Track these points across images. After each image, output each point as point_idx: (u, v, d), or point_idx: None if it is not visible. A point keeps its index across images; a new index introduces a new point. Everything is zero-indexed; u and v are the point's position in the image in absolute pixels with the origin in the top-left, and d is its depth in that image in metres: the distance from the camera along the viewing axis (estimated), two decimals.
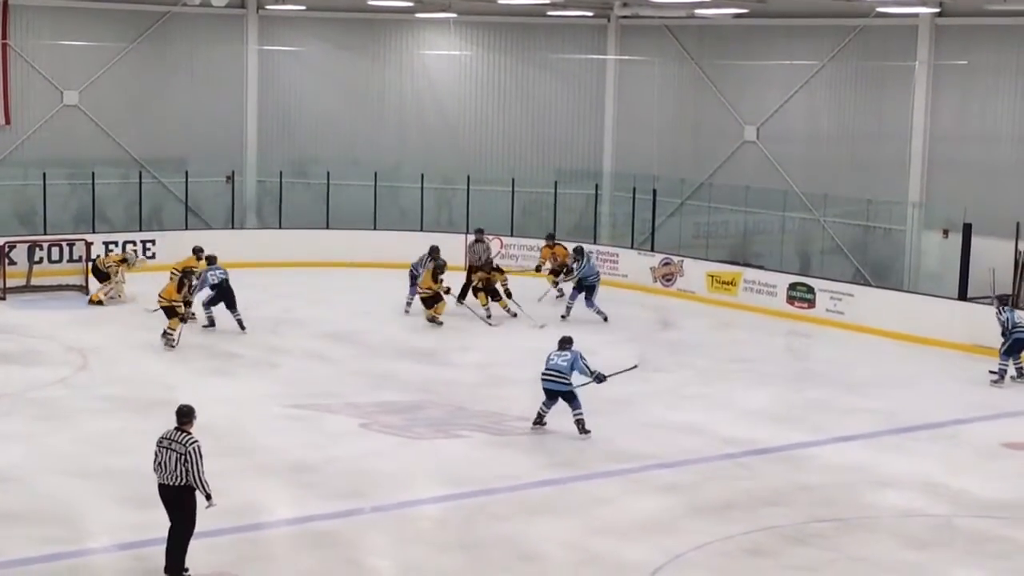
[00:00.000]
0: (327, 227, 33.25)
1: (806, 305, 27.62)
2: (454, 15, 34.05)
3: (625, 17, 33.97)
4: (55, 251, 29.36)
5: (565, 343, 19.03)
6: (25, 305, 26.62)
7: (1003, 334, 22.24)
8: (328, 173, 33.34)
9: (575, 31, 34.62)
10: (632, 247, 31.72)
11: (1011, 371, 22.42)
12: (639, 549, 14.12)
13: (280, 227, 33.26)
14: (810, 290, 27.62)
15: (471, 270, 28.61)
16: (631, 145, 34.31)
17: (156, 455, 12.98)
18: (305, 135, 34.97)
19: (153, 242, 31.17)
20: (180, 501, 12.89)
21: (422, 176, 33.43)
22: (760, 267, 29.32)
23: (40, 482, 15.88)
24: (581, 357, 18.71)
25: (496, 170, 34.11)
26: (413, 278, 27.08)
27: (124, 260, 27.81)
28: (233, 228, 33.49)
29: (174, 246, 29.30)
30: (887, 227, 29.80)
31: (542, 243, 30.03)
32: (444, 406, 20.14)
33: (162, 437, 13.05)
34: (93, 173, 31.55)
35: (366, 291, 29.48)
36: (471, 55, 35.14)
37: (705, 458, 17.74)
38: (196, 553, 13.71)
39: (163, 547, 13.77)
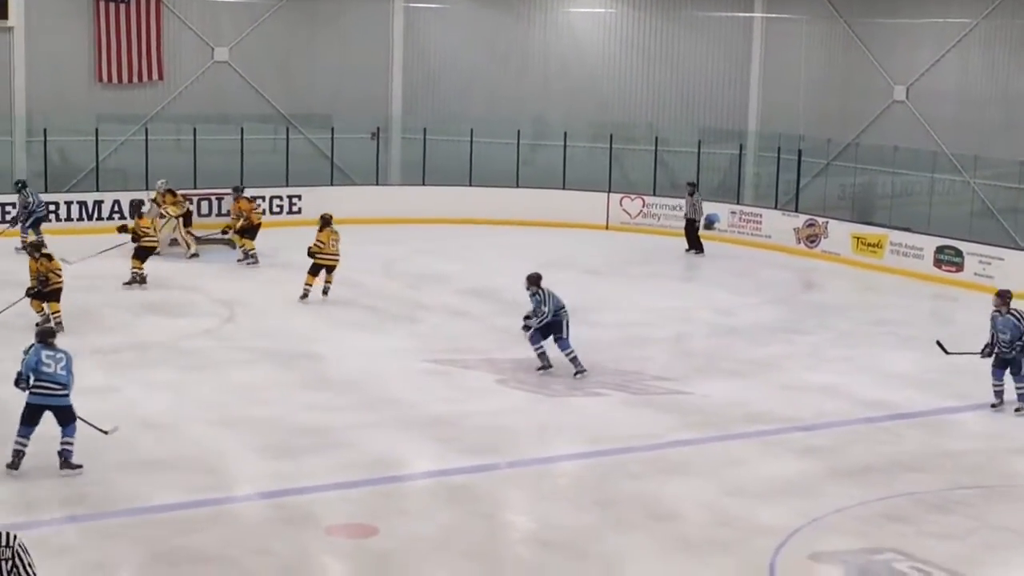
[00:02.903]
0: (470, 184, 33.38)
1: (954, 268, 27.04)
2: None
3: None
4: (204, 205, 29.95)
5: (49, 336, 14.83)
6: (173, 258, 27.16)
7: (989, 346, 18.02)
8: (472, 130, 33.44)
9: None
10: (776, 208, 31.34)
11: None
12: (776, 511, 13.99)
13: (423, 184, 33.48)
14: (958, 253, 27.03)
15: (688, 223, 29.88)
16: (777, 104, 33.82)
17: None
18: (449, 92, 35.10)
19: (299, 197, 31.61)
20: None
21: (565, 134, 33.36)
22: (907, 229, 28.76)
23: (186, 430, 16.25)
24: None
25: (640, 129, 33.90)
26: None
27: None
28: (377, 184, 33.82)
29: (320, 202, 29.64)
30: None
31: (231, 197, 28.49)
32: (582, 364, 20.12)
33: None
34: (242, 128, 32.09)
35: (508, 248, 29.57)
36: (616, 12, 34.91)
37: (845, 421, 17.50)
38: (331, 504, 13.98)
39: (304, 496, 14.06)
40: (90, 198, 30.19)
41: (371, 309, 23.47)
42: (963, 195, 29.97)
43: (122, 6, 31.77)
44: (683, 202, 30.49)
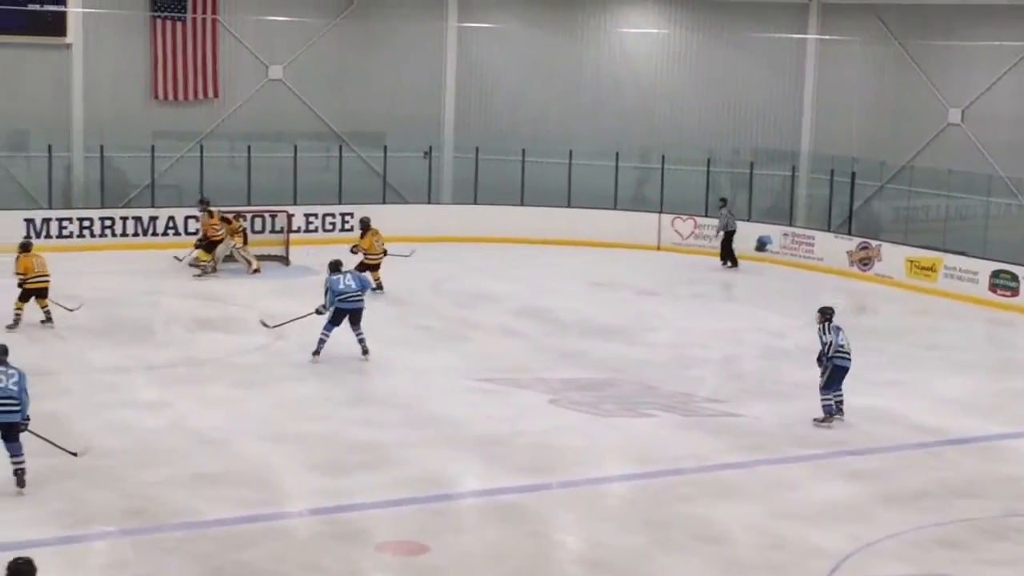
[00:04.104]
0: (521, 203, 33.43)
1: (1009, 293, 26.81)
2: None
3: None
4: (258, 222, 30.14)
5: (2, 353, 14.51)
6: (228, 274, 27.35)
7: (821, 359, 18.05)
8: (523, 150, 33.52)
9: (775, 10, 34.06)
10: (829, 230, 31.19)
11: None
12: (828, 536, 13.91)
13: (475, 203, 33.56)
14: (1014, 278, 26.79)
15: (726, 235, 30.45)
16: (830, 126, 33.65)
17: None
18: (501, 112, 35.18)
19: (351, 215, 31.71)
20: None
21: (616, 154, 33.35)
22: (962, 253, 28.53)
23: (238, 446, 16.34)
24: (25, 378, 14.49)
25: (691, 149, 33.80)
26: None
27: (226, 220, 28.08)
28: (429, 203, 33.94)
29: (371, 220, 29.73)
30: None
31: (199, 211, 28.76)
32: (633, 384, 20.10)
33: None
34: (295, 146, 32.30)
35: (558, 268, 29.60)
36: (668, 33, 34.89)
37: (897, 446, 17.37)
38: (382, 521, 14.01)
39: (355, 513, 14.10)
40: (145, 214, 30.47)
41: (421, 327, 23.53)
42: (1019, 219, 29.72)
43: (179, 24, 32.08)
44: (719, 220, 30.73)
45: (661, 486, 15.59)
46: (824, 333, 17.95)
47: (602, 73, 35.29)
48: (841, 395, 18.16)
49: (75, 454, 14.90)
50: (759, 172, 32.95)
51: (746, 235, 30.99)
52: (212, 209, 28.07)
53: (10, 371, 14.26)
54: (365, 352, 20.60)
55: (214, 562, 12.71)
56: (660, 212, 32.77)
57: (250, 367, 20.25)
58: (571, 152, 33.42)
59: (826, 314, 18.13)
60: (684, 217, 32.49)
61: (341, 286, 20.30)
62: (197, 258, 27.66)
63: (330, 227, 31.64)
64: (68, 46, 31.32)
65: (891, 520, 14.48)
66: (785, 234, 31.35)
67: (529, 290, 27.11)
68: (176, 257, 28.20)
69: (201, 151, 31.91)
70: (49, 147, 30.65)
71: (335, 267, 20.71)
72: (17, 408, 14.15)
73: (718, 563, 13.26)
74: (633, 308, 25.92)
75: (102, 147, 31.02)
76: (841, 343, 17.98)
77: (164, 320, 23.41)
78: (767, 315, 25.71)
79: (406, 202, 33.78)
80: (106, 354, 20.70)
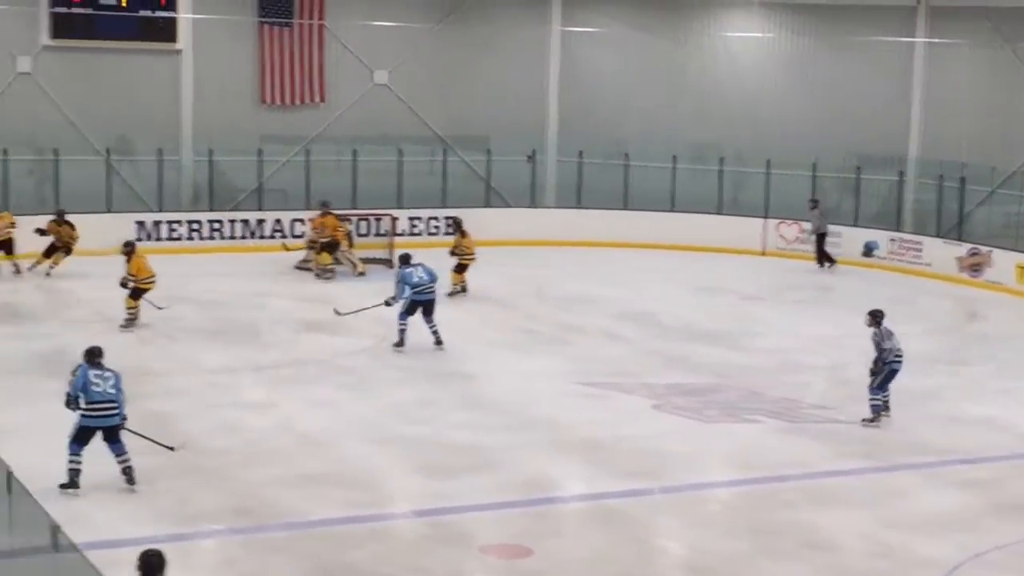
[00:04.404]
0: (625, 208, 33.37)
1: None
2: None
3: None
4: (363, 225, 30.41)
5: (97, 355, 14.61)
6: (338, 276, 27.58)
7: (877, 363, 18.05)
8: (627, 154, 33.46)
9: (882, 14, 33.62)
10: (937, 235, 30.74)
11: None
12: (936, 545, 13.71)
13: (578, 207, 33.57)
14: None
15: (819, 237, 30.61)
16: (938, 131, 33.10)
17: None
18: (605, 116, 35.09)
19: (454, 219, 31.86)
20: None
21: (721, 159, 33.19)
22: None
23: (343, 447, 16.49)
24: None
25: (796, 154, 33.46)
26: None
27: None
28: (532, 207, 33.99)
29: (475, 223, 29.92)
30: None
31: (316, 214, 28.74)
32: (737, 390, 19.97)
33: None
34: (400, 150, 32.54)
35: (662, 272, 29.49)
36: (774, 37, 34.58)
37: (1009, 455, 17.08)
38: (485, 523, 14.05)
39: (458, 515, 14.16)
40: (252, 217, 30.91)
41: (524, 331, 23.58)
42: None
43: (286, 30, 32.45)
44: (811, 221, 30.86)
45: (765, 492, 15.47)
46: (882, 339, 17.90)
47: (706, 77, 35.08)
48: (888, 394, 18.15)
49: (172, 448, 15.16)
50: (866, 177, 32.56)
51: (853, 240, 30.67)
52: (333, 212, 28.37)
53: (106, 374, 14.47)
54: (439, 343, 21.30)
55: (319, 562, 12.85)
56: (765, 217, 32.52)
57: (355, 369, 20.44)
58: (675, 156, 33.28)
59: (876, 317, 18.06)
60: (789, 222, 32.20)
61: (415, 279, 21.18)
62: (317, 261, 27.83)
63: (434, 230, 31.83)
64: (178, 52, 31.84)
65: (1001, 530, 14.24)
66: (892, 239, 30.96)
67: (632, 294, 27.05)
68: (285, 246, 28.54)
69: (307, 155, 32.30)
70: (159, 151, 31.18)
71: (406, 260, 21.61)
72: (116, 411, 14.42)
73: (824, 571, 13.14)
74: (738, 313, 25.75)
75: (211, 151, 31.49)
76: (898, 347, 18.01)
77: (271, 321, 23.69)
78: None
79: (509, 206, 33.88)
80: (215, 355, 21.00)
